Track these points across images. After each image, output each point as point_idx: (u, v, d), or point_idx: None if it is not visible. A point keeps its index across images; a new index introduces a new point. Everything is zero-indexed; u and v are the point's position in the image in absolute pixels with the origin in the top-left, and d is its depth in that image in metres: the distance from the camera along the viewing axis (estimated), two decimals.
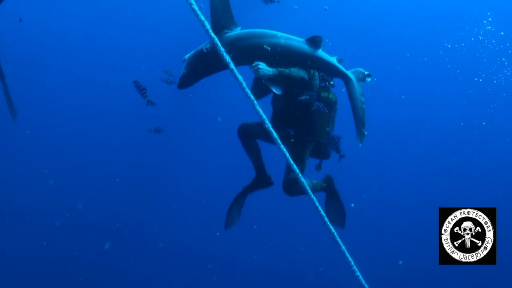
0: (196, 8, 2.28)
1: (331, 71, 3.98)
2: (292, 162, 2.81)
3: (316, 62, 3.87)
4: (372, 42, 13.53)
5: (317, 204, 2.88)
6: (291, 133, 3.83)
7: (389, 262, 12.24)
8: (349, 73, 4.00)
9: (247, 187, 4.21)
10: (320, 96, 3.96)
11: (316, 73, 3.98)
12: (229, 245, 11.52)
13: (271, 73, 3.62)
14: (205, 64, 3.75)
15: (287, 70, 3.71)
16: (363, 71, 4.04)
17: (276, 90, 3.70)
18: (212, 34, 2.40)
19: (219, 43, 2.47)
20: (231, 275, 11.79)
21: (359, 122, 3.94)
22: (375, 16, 13.73)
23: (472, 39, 13.05)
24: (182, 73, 3.84)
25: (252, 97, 2.54)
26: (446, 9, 13.39)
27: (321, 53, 3.88)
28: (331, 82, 4.12)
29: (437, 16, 13.58)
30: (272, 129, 2.68)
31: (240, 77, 2.50)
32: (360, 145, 3.85)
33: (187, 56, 3.85)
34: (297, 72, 3.74)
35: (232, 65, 2.48)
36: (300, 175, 2.91)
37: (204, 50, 3.74)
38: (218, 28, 3.69)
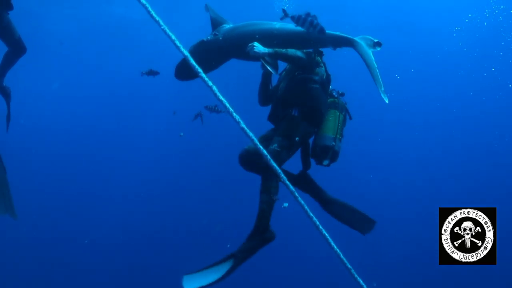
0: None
1: (336, 42, 3.86)
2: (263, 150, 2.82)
3: (316, 38, 3.79)
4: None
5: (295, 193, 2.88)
6: (295, 114, 3.64)
7: (389, 262, 12.24)
8: (356, 38, 3.86)
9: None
10: (327, 101, 3.87)
11: (322, 65, 3.91)
12: None
13: (266, 51, 3.58)
14: (204, 55, 3.82)
15: (284, 50, 3.67)
16: (371, 38, 3.86)
17: (272, 70, 3.71)
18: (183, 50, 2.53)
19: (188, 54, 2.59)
20: None
21: (378, 83, 3.69)
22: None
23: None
24: (180, 60, 3.92)
25: (224, 100, 2.57)
26: None
27: None
28: (340, 92, 4.02)
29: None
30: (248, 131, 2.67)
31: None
32: (387, 102, 3.62)
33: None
34: (294, 52, 3.67)
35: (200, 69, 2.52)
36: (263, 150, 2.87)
37: (205, 40, 3.92)
38: (216, 24, 4.06)
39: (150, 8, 2.41)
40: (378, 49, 3.85)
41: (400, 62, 13.49)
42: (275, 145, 3.41)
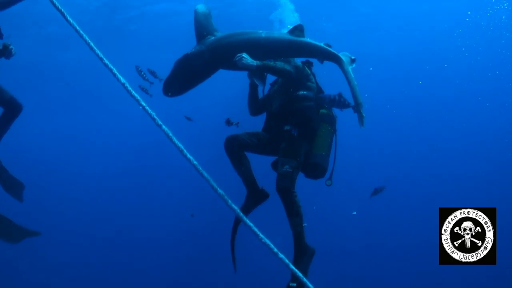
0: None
1: (322, 54, 3.89)
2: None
3: (303, 47, 3.82)
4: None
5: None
6: (289, 129, 3.73)
7: (389, 261, 12.24)
8: (340, 54, 3.89)
9: (241, 208, 3.59)
10: (319, 111, 3.94)
11: (312, 78, 3.94)
12: None
13: (254, 64, 3.56)
14: (190, 68, 3.76)
15: (272, 63, 3.67)
16: (349, 54, 3.93)
17: (259, 83, 3.74)
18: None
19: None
20: None
21: (356, 102, 3.73)
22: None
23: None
24: (167, 76, 3.86)
25: (137, 96, 2.63)
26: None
27: (306, 39, 3.87)
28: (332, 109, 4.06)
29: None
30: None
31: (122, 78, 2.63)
32: (362, 127, 3.68)
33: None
34: (282, 65, 3.68)
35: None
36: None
37: (189, 54, 3.77)
38: (201, 36, 3.82)
39: (127, 84, 2.60)
40: (354, 65, 3.90)
41: (401, 66, 13.48)
42: (287, 166, 3.56)
